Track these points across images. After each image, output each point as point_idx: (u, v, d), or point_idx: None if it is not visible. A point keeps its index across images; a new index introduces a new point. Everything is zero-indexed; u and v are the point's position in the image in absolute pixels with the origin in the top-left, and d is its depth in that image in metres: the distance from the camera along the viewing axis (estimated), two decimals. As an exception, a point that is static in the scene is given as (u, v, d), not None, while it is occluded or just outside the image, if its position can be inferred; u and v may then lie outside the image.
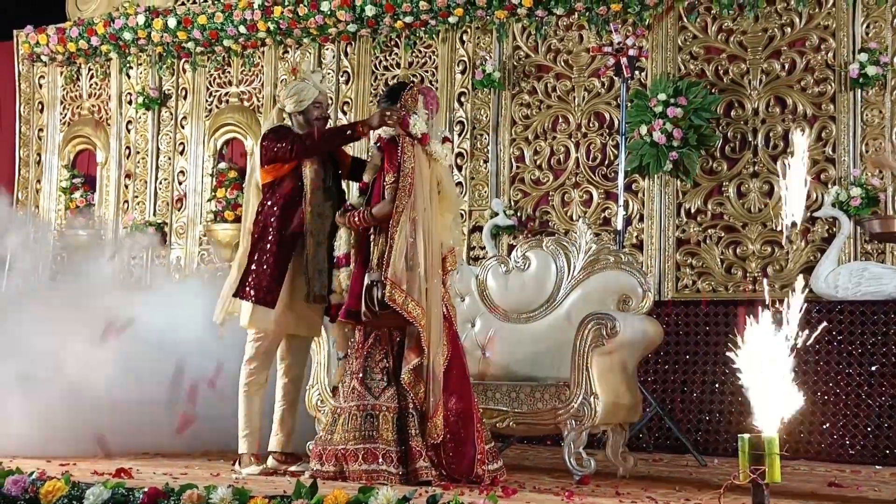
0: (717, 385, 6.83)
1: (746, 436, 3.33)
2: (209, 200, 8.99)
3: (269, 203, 5.14)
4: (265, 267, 5.05)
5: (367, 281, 4.70)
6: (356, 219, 4.85)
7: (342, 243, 5.01)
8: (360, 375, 4.68)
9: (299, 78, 5.29)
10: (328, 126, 5.30)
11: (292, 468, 5.05)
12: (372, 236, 4.82)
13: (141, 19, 9.16)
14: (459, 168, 8.22)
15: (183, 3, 9.25)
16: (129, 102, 9.49)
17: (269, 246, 5.07)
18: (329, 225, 5.15)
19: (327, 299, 5.09)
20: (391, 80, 8.44)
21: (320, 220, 5.14)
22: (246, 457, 5.14)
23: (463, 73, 8.27)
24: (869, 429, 6.33)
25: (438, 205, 4.80)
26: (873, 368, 6.40)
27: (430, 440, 4.59)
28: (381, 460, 4.54)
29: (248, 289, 5.06)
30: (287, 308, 5.09)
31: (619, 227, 6.65)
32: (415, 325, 4.61)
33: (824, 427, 6.43)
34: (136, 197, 9.39)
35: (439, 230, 4.78)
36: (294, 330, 5.18)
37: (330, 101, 5.42)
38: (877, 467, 6.04)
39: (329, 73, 8.70)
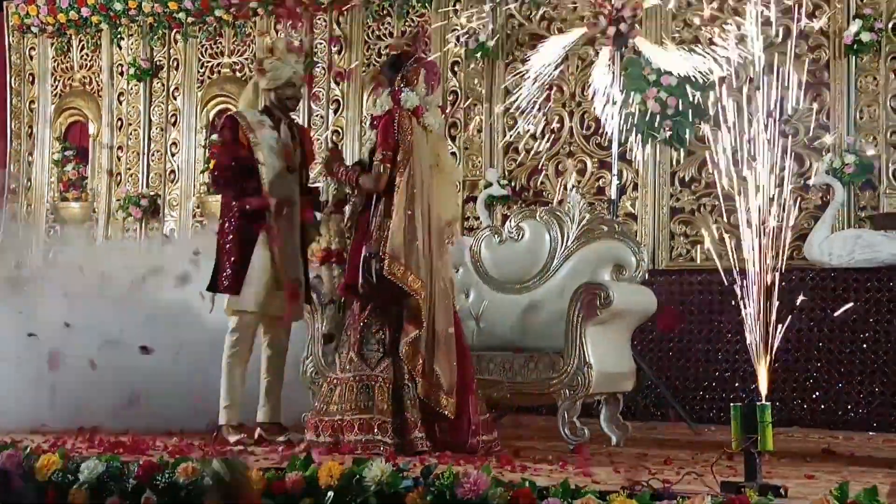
0: (710, 353, 6.85)
1: (739, 405, 3.33)
2: (202, 172, 8.96)
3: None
4: (227, 255, 5.14)
5: (364, 253, 4.69)
6: (342, 172, 4.84)
7: (324, 239, 5.03)
8: (357, 346, 4.69)
9: (276, 57, 5.28)
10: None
11: (280, 438, 5.08)
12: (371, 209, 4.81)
13: (131, -11, 9.11)
14: (453, 138, 8.19)
15: (173, -27, 9.19)
16: (121, 74, 9.45)
17: (230, 235, 5.15)
18: (298, 210, 5.20)
19: (301, 282, 5.18)
20: (384, 50, 8.40)
21: (284, 206, 5.17)
22: (225, 427, 5.18)
23: (456, 42, 8.22)
24: (861, 395, 6.36)
25: (437, 177, 4.78)
26: (837, 313, 6.37)
27: (447, 414, 4.61)
28: (376, 430, 4.55)
29: (221, 281, 5.15)
30: (265, 290, 5.15)
31: (614, 196, 6.64)
32: (414, 297, 4.61)
33: (816, 394, 6.46)
34: (129, 169, 9.37)
35: (439, 203, 4.76)
36: (274, 311, 5.22)
37: (303, 81, 5.51)
38: (870, 433, 6.07)
39: (321, 44, 8.66)
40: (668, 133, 7.29)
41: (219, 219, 5.31)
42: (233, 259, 5.13)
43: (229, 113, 5.44)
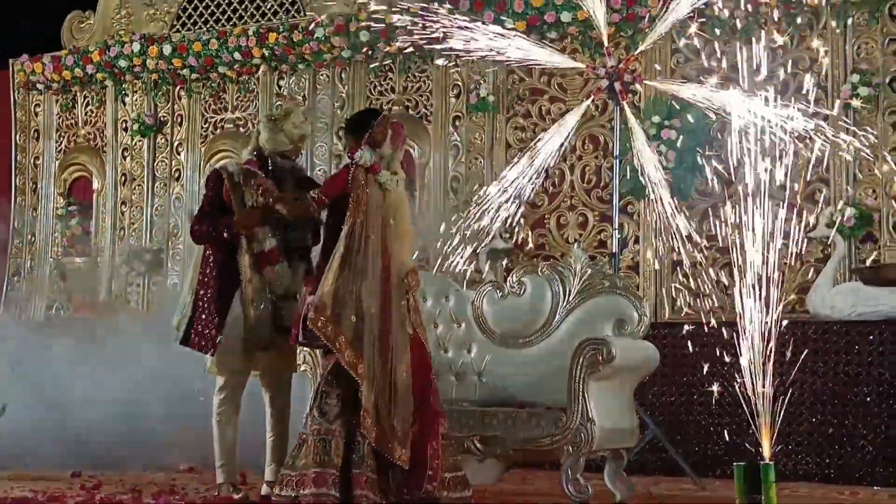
0: (714, 407, 6.81)
1: (742, 464, 3.32)
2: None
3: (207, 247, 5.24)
4: (204, 315, 5.11)
5: (307, 303, 4.73)
6: (261, 183, 5.02)
7: (268, 238, 5.13)
8: (318, 401, 4.72)
9: (290, 122, 5.29)
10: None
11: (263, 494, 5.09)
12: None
13: (136, 47, 9.20)
14: (455, 192, 8.23)
15: (178, 31, 9.29)
16: (125, 129, 9.52)
17: (210, 293, 5.13)
18: (277, 271, 5.17)
19: (270, 343, 5.13)
20: (386, 106, 8.47)
21: (258, 265, 5.14)
22: (225, 485, 5.16)
23: (457, 97, 8.29)
24: (867, 450, 6.32)
25: (393, 232, 4.79)
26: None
27: (400, 465, 4.61)
28: (330, 484, 4.57)
29: (193, 336, 5.12)
30: (249, 349, 5.11)
31: (615, 249, 6.65)
32: (335, 352, 4.62)
33: (821, 449, 6.43)
34: (133, 224, 9.41)
35: (399, 254, 4.79)
36: (262, 368, 5.20)
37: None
38: (875, 488, 6.04)
39: (324, 98, 8.74)
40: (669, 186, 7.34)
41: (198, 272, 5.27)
42: (209, 315, 5.10)
43: (215, 167, 5.48)
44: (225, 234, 5.11)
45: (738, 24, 7.33)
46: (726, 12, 7.13)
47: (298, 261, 5.23)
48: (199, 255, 5.30)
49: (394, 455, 4.60)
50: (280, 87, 8.86)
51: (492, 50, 6.49)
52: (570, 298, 5.54)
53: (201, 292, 5.16)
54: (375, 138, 4.84)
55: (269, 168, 5.25)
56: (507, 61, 6.69)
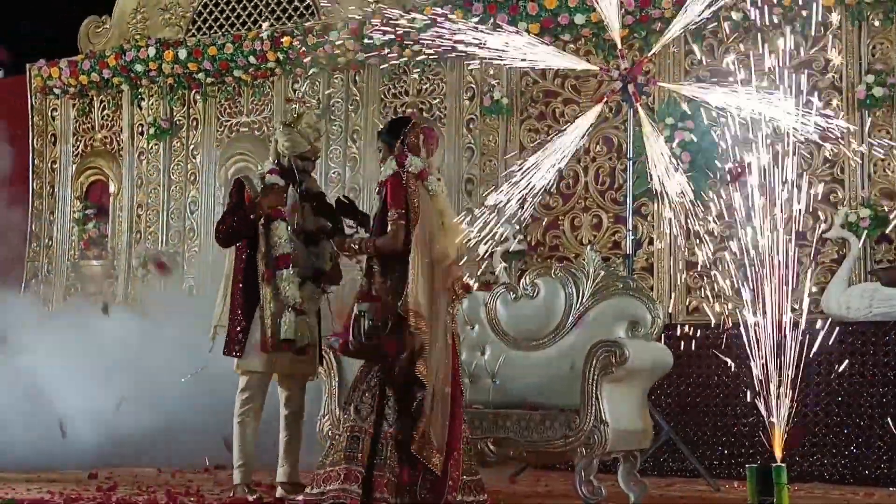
0: (729, 408, 6.81)
1: (754, 466, 3.32)
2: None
3: (237, 250, 5.31)
4: (231, 317, 5.20)
5: (355, 311, 4.73)
6: (356, 246, 4.89)
7: (282, 242, 5.17)
8: (355, 399, 4.73)
9: (299, 127, 5.35)
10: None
11: (299, 498, 5.08)
12: (365, 268, 4.85)
13: (152, 51, 9.24)
14: (469, 194, 8.25)
15: (193, 35, 9.34)
16: (141, 133, 9.57)
17: (236, 295, 5.22)
18: (296, 271, 5.21)
19: (293, 343, 5.17)
20: (400, 109, 8.49)
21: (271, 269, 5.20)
22: (241, 486, 5.18)
23: (471, 99, 8.31)
24: (882, 450, 6.31)
25: (443, 238, 4.81)
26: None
27: (434, 471, 4.60)
28: (360, 483, 4.58)
29: (226, 342, 5.22)
30: (272, 351, 5.15)
31: (629, 251, 6.65)
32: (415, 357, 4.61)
33: (836, 449, 6.41)
34: (149, 227, 9.46)
35: (445, 261, 4.79)
36: (284, 370, 5.25)
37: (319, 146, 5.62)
38: (891, 489, 6.02)
39: (338, 102, 8.76)
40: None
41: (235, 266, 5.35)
42: (237, 320, 5.18)
43: (238, 177, 5.60)
44: (252, 217, 5.18)
45: (753, 25, 7.32)
46: (740, 14, 7.14)
47: (311, 283, 5.28)
48: (229, 269, 5.36)
49: (431, 461, 4.60)
50: (295, 91, 8.90)
51: (506, 53, 6.50)
52: (584, 300, 5.54)
53: (231, 291, 5.26)
54: (410, 144, 4.86)
55: (294, 175, 5.33)
56: (521, 64, 6.69)
